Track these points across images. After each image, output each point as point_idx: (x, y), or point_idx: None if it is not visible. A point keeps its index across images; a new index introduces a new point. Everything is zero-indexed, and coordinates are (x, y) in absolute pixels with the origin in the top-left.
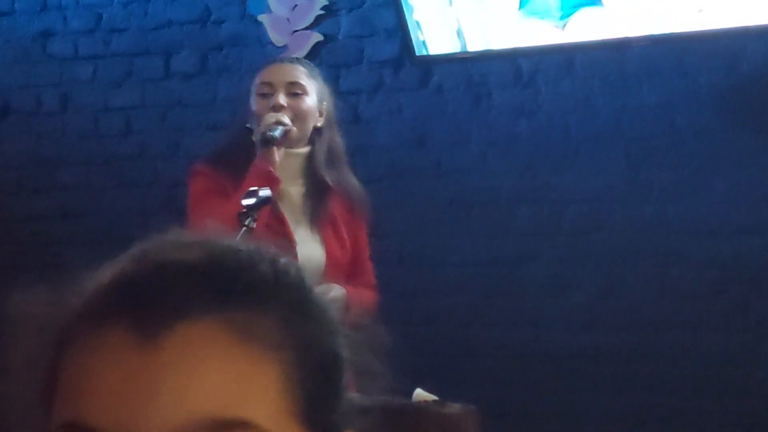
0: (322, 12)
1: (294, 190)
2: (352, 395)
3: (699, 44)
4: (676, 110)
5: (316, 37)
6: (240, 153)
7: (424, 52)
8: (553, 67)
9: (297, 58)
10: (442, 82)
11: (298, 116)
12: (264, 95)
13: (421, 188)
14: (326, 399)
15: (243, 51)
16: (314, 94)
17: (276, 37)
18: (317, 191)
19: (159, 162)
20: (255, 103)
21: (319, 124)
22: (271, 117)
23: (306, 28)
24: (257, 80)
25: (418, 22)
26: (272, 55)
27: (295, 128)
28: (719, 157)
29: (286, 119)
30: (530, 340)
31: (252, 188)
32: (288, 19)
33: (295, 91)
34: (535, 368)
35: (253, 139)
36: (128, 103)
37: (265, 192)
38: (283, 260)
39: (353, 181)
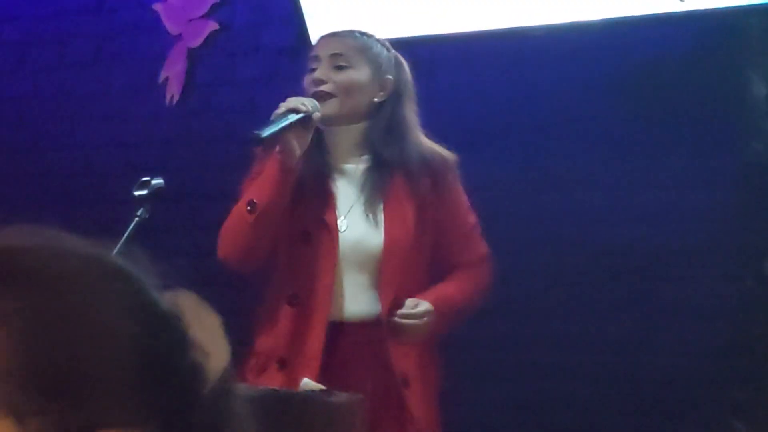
0: (218, 0)
1: (352, 167)
2: (240, 385)
3: (593, 33)
4: (571, 99)
5: (212, 25)
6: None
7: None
8: (449, 56)
9: (352, 31)
10: None
11: (341, 90)
12: (312, 69)
13: None
14: None
15: (137, 40)
16: (366, 67)
17: (171, 25)
18: (377, 168)
19: (52, 153)
20: (306, 77)
21: (377, 99)
22: (290, 101)
23: (201, 17)
24: (310, 53)
25: (315, 10)
26: (167, 44)
27: (321, 111)
28: (613, 146)
29: (309, 103)
30: None
31: (145, 178)
32: (183, 8)
33: (339, 63)
34: None
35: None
36: (21, 93)
37: (157, 181)
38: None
39: (428, 152)
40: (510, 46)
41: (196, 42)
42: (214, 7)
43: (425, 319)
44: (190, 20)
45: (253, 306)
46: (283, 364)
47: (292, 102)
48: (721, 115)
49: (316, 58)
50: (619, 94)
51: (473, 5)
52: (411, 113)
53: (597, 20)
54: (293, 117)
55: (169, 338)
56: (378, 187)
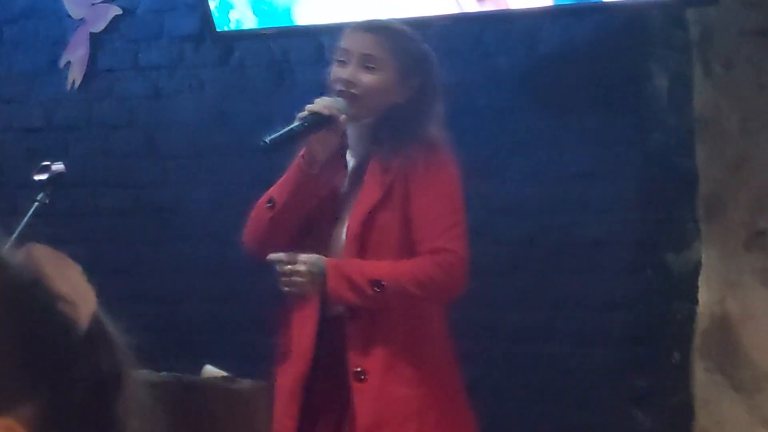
0: None
1: (355, 162)
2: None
3: (497, 24)
4: (476, 90)
5: (115, 10)
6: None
7: (226, 28)
8: None
9: (387, 25)
10: (243, 59)
11: (367, 94)
12: (340, 62)
13: (223, 165)
14: None
15: (39, 24)
16: (394, 70)
17: (73, 9)
18: (363, 163)
19: None
20: (332, 70)
21: (400, 100)
22: (315, 103)
23: (105, 1)
24: (340, 43)
25: None
26: (69, 28)
27: (349, 112)
28: (518, 137)
29: (336, 105)
30: None
31: (45, 163)
32: None
33: (367, 64)
34: None
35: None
36: None
37: (57, 166)
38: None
39: (411, 143)
40: None
41: (99, 27)
42: None
43: (300, 268)
44: (93, 4)
45: (146, 293)
46: (285, 355)
47: (318, 105)
48: (624, 108)
49: (346, 53)
50: (523, 85)
51: None
52: (428, 112)
53: (501, 11)
54: (298, 124)
55: (36, 306)
56: (356, 184)
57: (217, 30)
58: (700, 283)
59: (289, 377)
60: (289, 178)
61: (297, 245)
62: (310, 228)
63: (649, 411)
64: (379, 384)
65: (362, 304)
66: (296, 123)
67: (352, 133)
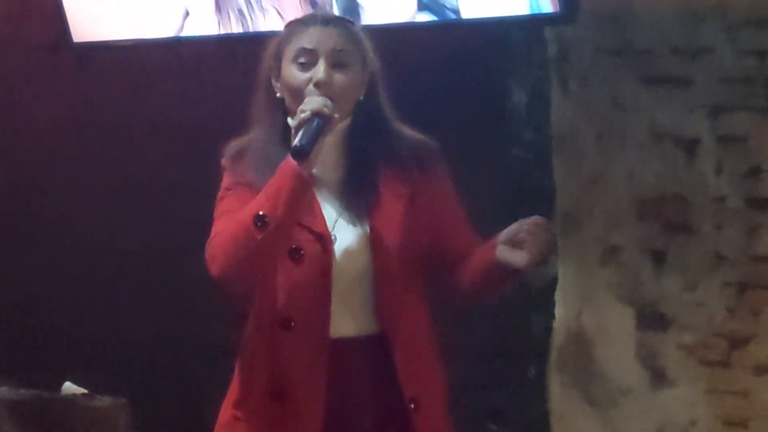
0: None
1: (332, 174)
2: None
3: None
4: None
5: None
6: (271, 138)
7: (84, 39)
8: (214, 56)
9: (340, 18)
10: (101, 68)
11: (339, 94)
12: (303, 65)
13: (81, 174)
14: None
15: None
16: (359, 66)
17: None
18: (359, 171)
19: None
20: (291, 74)
21: (361, 97)
22: (311, 103)
23: None
24: (295, 43)
25: (79, 7)
26: None
27: (336, 114)
28: None
29: (329, 104)
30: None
31: None
32: None
33: (339, 61)
34: None
35: (291, 125)
36: None
37: None
38: None
39: (413, 142)
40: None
41: None
42: None
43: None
44: None
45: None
46: (281, 396)
47: (316, 104)
48: (484, 123)
49: (311, 53)
50: None
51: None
52: (386, 102)
53: (363, 27)
54: (317, 123)
55: None
56: (362, 192)
57: (75, 41)
58: (556, 298)
59: (296, 425)
60: (282, 188)
61: (284, 276)
62: (295, 255)
63: (505, 425)
64: (431, 413)
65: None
66: (314, 122)
67: (324, 143)
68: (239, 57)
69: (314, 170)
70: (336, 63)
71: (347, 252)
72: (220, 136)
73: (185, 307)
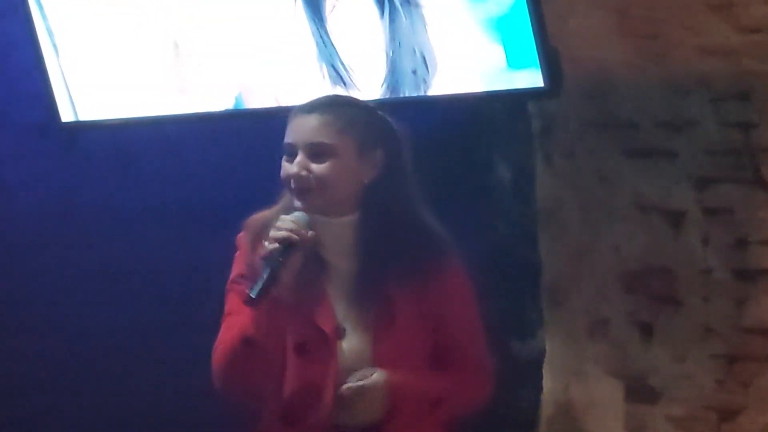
0: None
1: (343, 266)
2: None
3: None
4: None
5: None
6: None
7: (71, 119)
8: (198, 134)
9: (327, 104)
10: (88, 149)
11: (320, 184)
12: (289, 157)
13: (65, 259)
14: None
15: None
16: (351, 149)
17: None
18: (369, 268)
19: None
20: (282, 167)
21: (367, 181)
22: (282, 226)
23: None
24: (286, 135)
25: (68, 89)
26: None
27: (310, 233)
28: None
29: (302, 220)
30: None
31: None
32: None
33: (317, 151)
34: None
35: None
36: None
37: None
38: None
39: (432, 243)
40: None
41: None
42: None
43: (373, 389)
44: None
45: None
46: None
47: (283, 232)
48: (469, 198)
49: (292, 147)
50: None
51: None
52: (407, 189)
53: (375, 102)
54: (276, 263)
55: None
56: (371, 292)
57: (63, 121)
58: (544, 371)
59: None
60: (262, 311)
61: (289, 370)
62: (300, 350)
63: None
64: None
65: (409, 423)
66: (273, 262)
67: (335, 231)
68: (231, 134)
69: (329, 258)
70: (315, 154)
71: (351, 350)
72: (210, 214)
73: (177, 387)
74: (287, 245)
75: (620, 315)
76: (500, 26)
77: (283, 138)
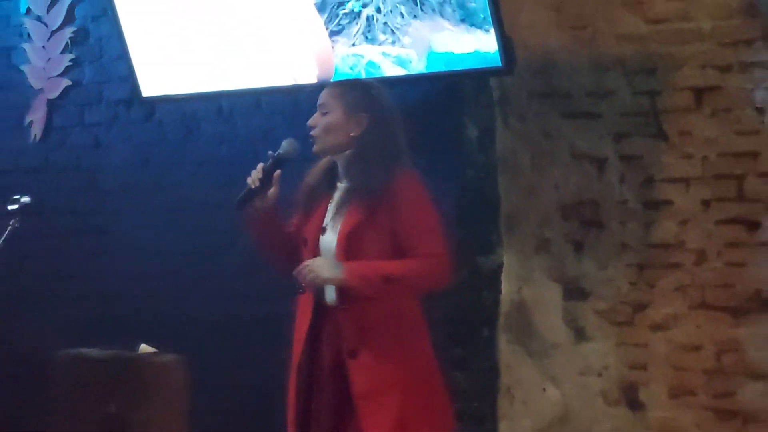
0: (71, 63)
1: (342, 185)
2: (92, 349)
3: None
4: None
5: (66, 82)
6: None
7: (150, 94)
8: (245, 106)
9: (335, 83)
10: (162, 117)
11: (321, 132)
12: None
13: (145, 198)
14: None
15: (9, 93)
16: (340, 111)
17: (35, 82)
18: (350, 186)
19: None
20: None
21: (353, 134)
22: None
23: (58, 75)
24: None
25: (146, 71)
26: (31, 95)
27: (315, 147)
28: None
29: (293, 144)
30: None
31: (16, 196)
32: (44, 68)
33: (323, 111)
34: None
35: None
36: None
37: (25, 199)
38: None
39: (387, 179)
40: (289, 98)
41: (54, 94)
42: (68, 68)
43: (314, 263)
44: (50, 78)
45: (89, 293)
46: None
47: (254, 173)
48: (445, 151)
49: (318, 106)
50: None
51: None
52: (385, 143)
53: (341, 82)
54: (252, 189)
55: None
56: (343, 206)
57: (143, 96)
58: (502, 278)
59: (294, 357)
60: (269, 217)
61: (290, 252)
62: (304, 242)
63: (466, 373)
64: (368, 360)
65: (373, 295)
66: (249, 188)
67: (340, 163)
68: (269, 105)
69: (338, 180)
70: (321, 113)
71: (328, 242)
72: (252, 167)
73: (234, 288)
74: (259, 178)
75: (559, 236)
76: (472, 19)
77: (303, 111)
